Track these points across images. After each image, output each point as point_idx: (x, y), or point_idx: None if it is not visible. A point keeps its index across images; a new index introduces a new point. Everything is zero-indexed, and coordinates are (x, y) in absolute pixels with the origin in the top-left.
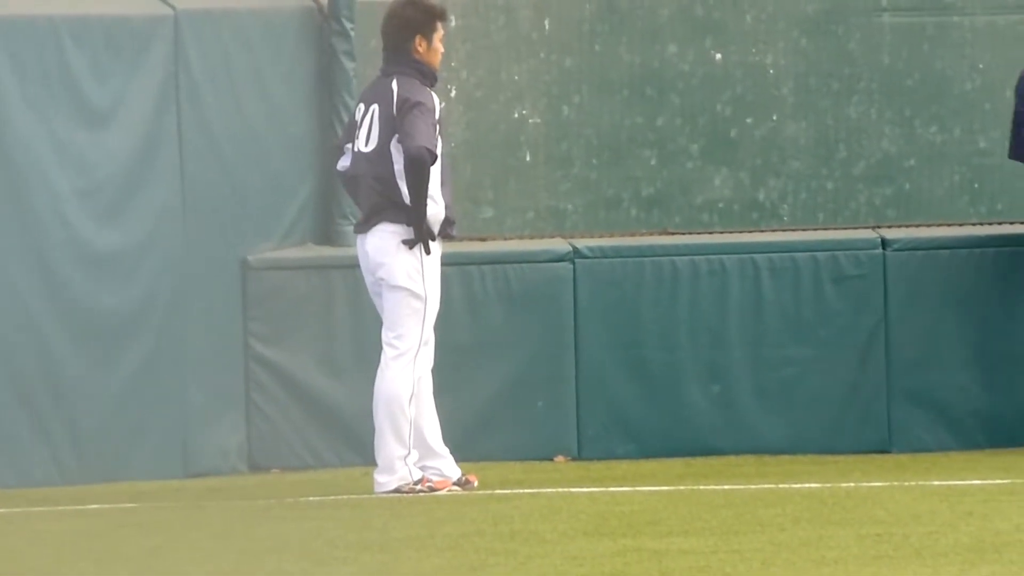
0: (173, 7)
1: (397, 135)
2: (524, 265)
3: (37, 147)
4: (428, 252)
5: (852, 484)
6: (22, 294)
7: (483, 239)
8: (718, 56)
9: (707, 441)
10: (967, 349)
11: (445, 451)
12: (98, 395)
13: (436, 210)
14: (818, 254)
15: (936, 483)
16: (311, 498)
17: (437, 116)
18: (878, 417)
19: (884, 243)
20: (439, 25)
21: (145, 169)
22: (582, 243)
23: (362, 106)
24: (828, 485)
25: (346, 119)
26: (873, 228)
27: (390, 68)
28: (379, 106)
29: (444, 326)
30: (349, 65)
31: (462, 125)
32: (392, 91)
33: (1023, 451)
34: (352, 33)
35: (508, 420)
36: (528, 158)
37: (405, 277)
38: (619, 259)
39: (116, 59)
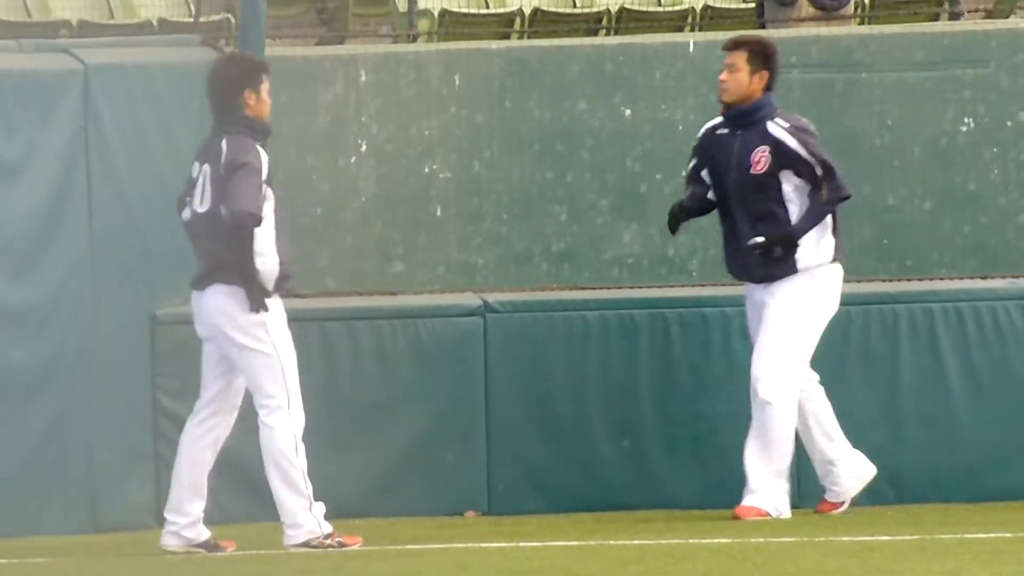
0: (83, 61)
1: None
2: (435, 319)
3: None
4: (266, 310)
5: (762, 539)
6: None
7: (394, 293)
8: (627, 112)
9: (618, 496)
10: (875, 408)
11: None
12: (7, 450)
13: (269, 266)
14: (727, 309)
15: (845, 539)
16: (219, 553)
17: (265, 174)
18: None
19: None
20: (265, 77)
21: (54, 224)
22: (493, 297)
23: (196, 164)
24: (738, 540)
25: None
26: None
27: (220, 127)
28: (210, 166)
29: (354, 380)
30: None
31: (372, 179)
32: (221, 151)
33: (930, 506)
34: None
35: (418, 475)
36: (439, 212)
37: (250, 338)
38: (530, 313)
39: (25, 113)
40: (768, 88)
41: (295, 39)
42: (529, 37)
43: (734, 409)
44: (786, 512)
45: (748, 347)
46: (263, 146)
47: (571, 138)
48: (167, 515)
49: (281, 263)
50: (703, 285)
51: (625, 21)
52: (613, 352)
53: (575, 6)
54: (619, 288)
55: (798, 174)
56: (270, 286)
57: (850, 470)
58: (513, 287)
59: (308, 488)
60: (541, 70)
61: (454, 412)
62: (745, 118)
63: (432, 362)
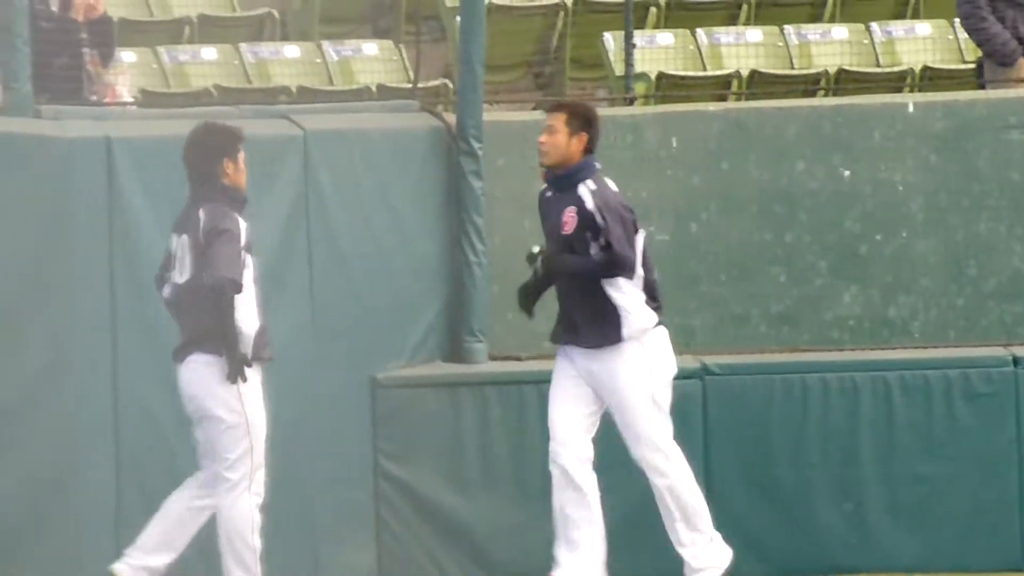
0: (302, 127)
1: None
2: None
3: None
4: (244, 379)
5: None
6: (154, 412)
7: None
8: (847, 173)
9: (839, 560)
10: None
11: None
12: None
13: (248, 334)
14: (949, 371)
15: None
16: None
17: (244, 241)
18: (1010, 535)
19: (1016, 361)
20: (241, 147)
21: (276, 288)
22: (711, 360)
23: (174, 236)
24: None
25: (474, 238)
26: (1004, 346)
27: (198, 196)
28: (188, 236)
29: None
30: (477, 184)
31: None
32: (199, 220)
33: None
34: (480, 153)
35: (639, 540)
36: (656, 275)
37: (223, 409)
38: (749, 376)
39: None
40: (588, 151)
41: (512, 104)
42: (746, 99)
43: (957, 471)
44: (728, 554)
45: (973, 408)
46: (241, 214)
47: (789, 199)
48: (127, 549)
49: (260, 330)
50: (925, 347)
51: (843, 82)
52: (833, 415)
53: (793, 67)
54: (839, 350)
55: (595, 238)
56: (249, 354)
57: None
58: (731, 349)
59: (258, 569)
60: (759, 131)
61: None
62: (563, 181)
63: None
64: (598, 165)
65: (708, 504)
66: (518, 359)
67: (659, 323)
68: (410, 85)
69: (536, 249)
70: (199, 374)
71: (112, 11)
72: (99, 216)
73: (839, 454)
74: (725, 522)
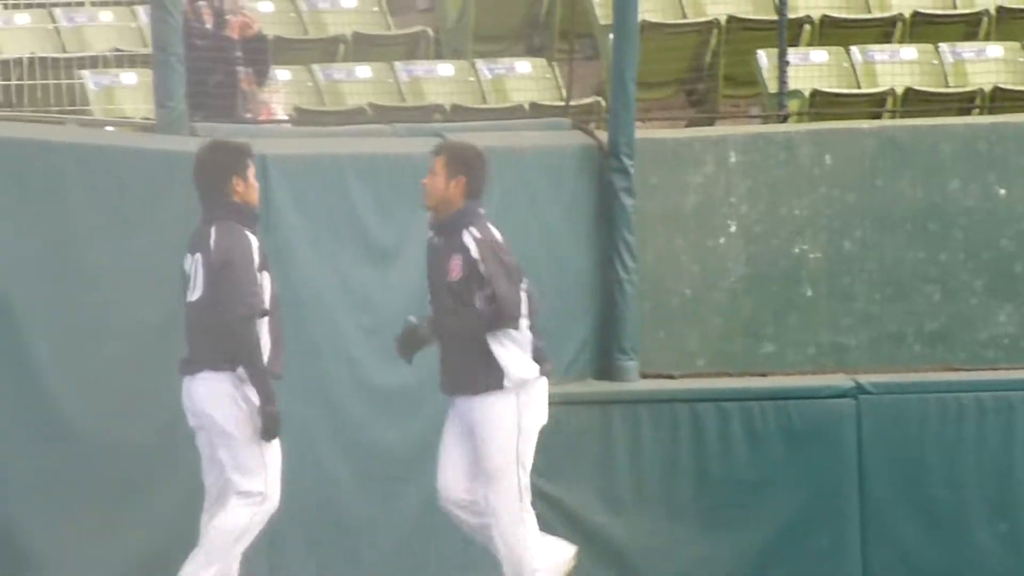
0: None
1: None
2: (806, 401)
3: (322, 285)
4: (273, 404)
5: None
6: (308, 431)
7: (763, 374)
8: (1002, 192)
9: None
10: None
11: None
12: (381, 531)
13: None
14: None
15: None
16: None
17: (257, 260)
18: None
19: None
20: (250, 162)
21: (427, 306)
22: (865, 379)
23: (188, 255)
24: None
25: (625, 255)
26: None
27: (209, 214)
28: (201, 255)
29: (724, 461)
30: (628, 202)
31: (742, 260)
32: (210, 240)
33: None
34: (632, 170)
35: (791, 558)
36: (809, 293)
37: (233, 424)
38: (903, 395)
39: (399, 197)
40: (471, 195)
41: (664, 121)
42: (901, 116)
43: None
44: None
45: None
46: (253, 231)
47: (944, 217)
48: None
49: (273, 345)
50: None
51: (999, 100)
52: (989, 434)
53: (947, 85)
54: (995, 369)
55: (479, 288)
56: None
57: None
58: (885, 368)
59: (214, 569)
60: (913, 149)
61: (826, 494)
62: (446, 226)
63: (803, 444)
64: (482, 211)
65: (862, 524)
66: (670, 377)
67: (542, 374)
68: (563, 103)
69: (414, 320)
70: (211, 390)
71: (267, 29)
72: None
73: (994, 474)
74: (880, 541)
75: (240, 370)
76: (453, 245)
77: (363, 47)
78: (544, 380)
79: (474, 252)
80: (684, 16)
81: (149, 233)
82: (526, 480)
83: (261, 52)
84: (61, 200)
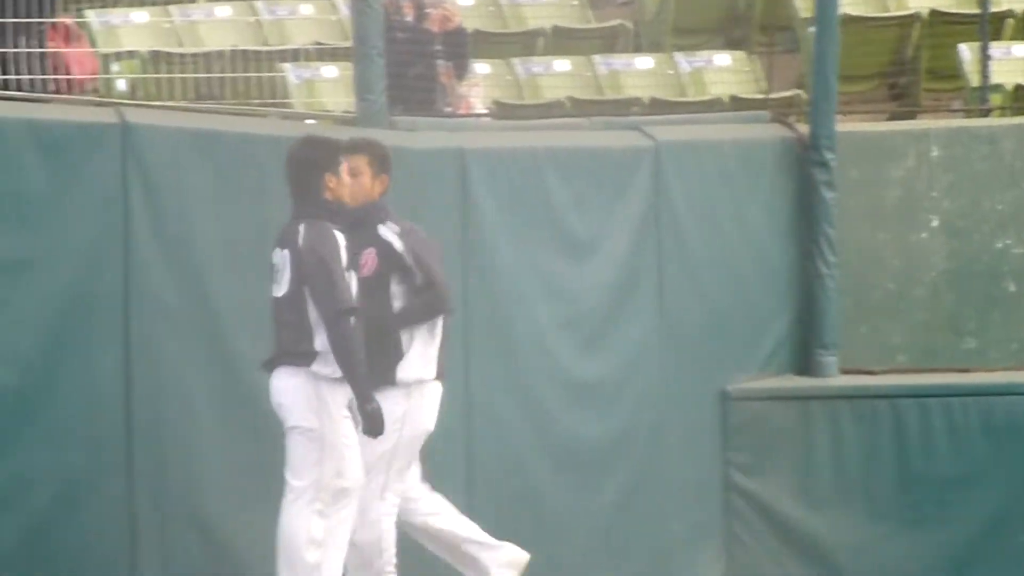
0: (654, 138)
1: (306, 287)
2: (1009, 397)
3: (520, 278)
4: (375, 404)
5: None
6: (506, 422)
7: (966, 370)
8: None
9: None
10: None
11: None
12: (581, 522)
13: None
14: None
15: None
16: None
17: (345, 259)
18: None
19: None
20: (343, 158)
21: (625, 299)
22: None
23: (277, 250)
24: None
25: (825, 250)
26: None
27: (299, 211)
28: (289, 251)
29: (926, 457)
30: (829, 195)
31: (944, 254)
32: (299, 238)
33: None
34: (832, 163)
35: (992, 555)
36: (1012, 288)
37: (302, 419)
38: None
39: (597, 191)
40: (385, 192)
41: (865, 115)
42: None
43: None
44: None
45: None
46: (344, 229)
47: None
48: None
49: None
50: None
51: None
52: None
53: None
54: None
55: (403, 280)
56: (331, 371)
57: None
58: None
59: None
60: None
61: None
62: (355, 221)
63: (1006, 440)
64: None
65: None
66: (871, 373)
67: (436, 377)
68: (762, 96)
69: None
70: (286, 384)
71: (467, 23)
72: (452, 227)
73: None
74: None
75: (316, 366)
76: (365, 240)
77: (562, 40)
78: (439, 384)
79: (398, 245)
80: (886, 9)
81: None
82: (392, 479)
83: (461, 46)
84: (261, 193)
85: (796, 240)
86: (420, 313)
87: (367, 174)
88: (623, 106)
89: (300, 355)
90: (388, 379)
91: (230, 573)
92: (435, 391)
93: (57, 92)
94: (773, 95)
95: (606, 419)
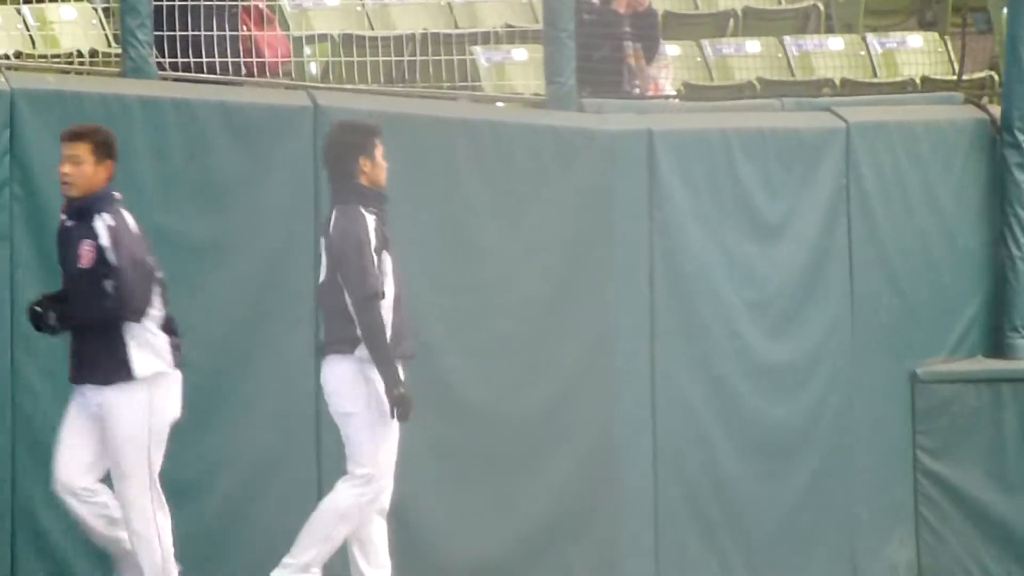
0: (845, 120)
1: (338, 272)
2: None
3: (708, 260)
4: (401, 389)
5: None
6: (692, 404)
7: None
8: None
9: None
10: None
11: None
12: (771, 505)
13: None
14: None
15: None
16: None
17: (374, 242)
18: None
19: None
20: (378, 142)
21: (815, 282)
22: None
23: (321, 238)
24: None
25: (1018, 232)
26: None
27: (334, 197)
28: (325, 238)
29: None
30: (1021, 177)
31: None
32: (331, 224)
33: None
34: None
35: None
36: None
37: (351, 404)
38: None
39: (787, 173)
40: (111, 178)
41: None
42: None
43: None
44: None
45: None
46: (378, 213)
47: None
48: (285, 558)
49: (395, 326)
50: None
51: None
52: None
53: None
54: None
55: (106, 276)
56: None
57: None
58: None
59: (321, 556)
60: None
61: None
62: (80, 211)
63: None
64: (117, 195)
65: None
66: None
67: (176, 366)
68: (954, 77)
69: (38, 304)
70: (335, 372)
71: (657, 4)
72: (640, 209)
73: None
74: None
75: (359, 351)
76: (84, 231)
77: (753, 21)
78: (179, 374)
79: (104, 239)
80: None
81: (538, 209)
82: (155, 475)
83: (651, 27)
84: (453, 176)
85: (988, 222)
86: (110, 316)
87: (89, 162)
88: (814, 87)
89: (346, 341)
90: (124, 375)
91: (419, 555)
92: (175, 381)
93: (249, 75)
94: (965, 76)
95: (793, 402)
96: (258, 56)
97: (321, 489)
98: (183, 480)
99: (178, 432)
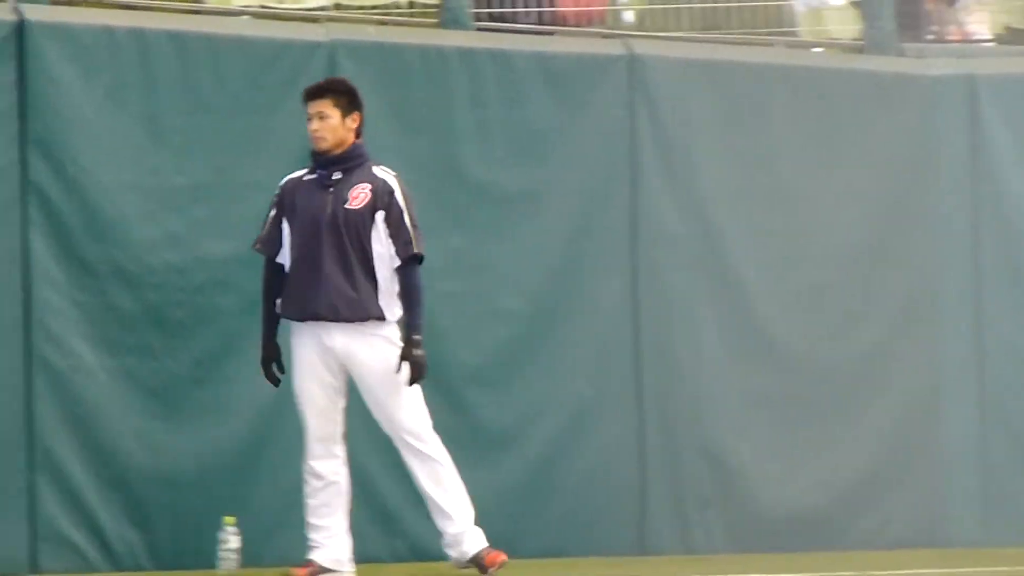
0: None
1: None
2: None
3: None
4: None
5: None
6: (1020, 350)
7: None
8: None
9: None
10: None
11: None
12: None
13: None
14: None
15: None
16: None
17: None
18: None
19: None
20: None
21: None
22: None
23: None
24: None
25: None
26: None
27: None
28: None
29: None
30: None
31: None
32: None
33: None
34: None
35: None
36: None
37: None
38: None
39: None
40: (360, 131)
41: None
42: None
43: None
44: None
45: None
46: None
47: None
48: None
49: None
50: None
51: None
52: None
53: None
54: None
55: (388, 223)
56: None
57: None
58: None
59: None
60: None
61: None
62: (343, 160)
63: None
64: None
65: None
66: None
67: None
68: None
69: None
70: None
71: None
72: (962, 154)
73: None
74: None
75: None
76: (359, 177)
77: None
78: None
79: (395, 185)
80: None
81: (855, 156)
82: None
83: None
84: (767, 123)
85: None
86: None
87: (336, 116)
88: None
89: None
90: (383, 315)
91: (740, 502)
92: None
93: (564, 25)
94: None
95: None
96: (573, 5)
97: (643, 435)
98: (502, 429)
99: (496, 381)
